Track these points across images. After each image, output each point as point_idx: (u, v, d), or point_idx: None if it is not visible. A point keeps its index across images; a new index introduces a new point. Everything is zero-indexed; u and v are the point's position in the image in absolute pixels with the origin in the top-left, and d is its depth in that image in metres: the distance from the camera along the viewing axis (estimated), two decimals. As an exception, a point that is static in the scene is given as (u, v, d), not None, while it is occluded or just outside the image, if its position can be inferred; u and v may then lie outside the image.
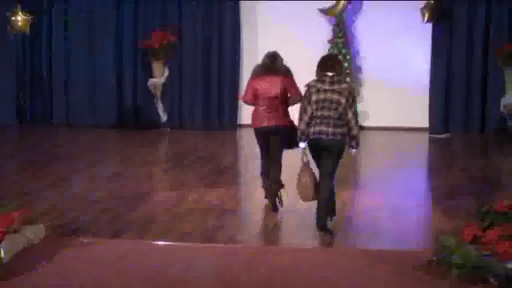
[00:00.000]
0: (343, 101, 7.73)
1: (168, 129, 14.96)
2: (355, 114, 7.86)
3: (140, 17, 15.10)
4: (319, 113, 7.77)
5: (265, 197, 9.07)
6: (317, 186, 8.04)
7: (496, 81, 14.39)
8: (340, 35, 14.72)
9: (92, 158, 12.28)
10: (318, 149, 7.89)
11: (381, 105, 14.60)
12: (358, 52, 14.97)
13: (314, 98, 7.76)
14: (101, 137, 14.30)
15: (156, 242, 7.72)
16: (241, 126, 15.22)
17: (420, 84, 14.72)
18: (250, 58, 15.12)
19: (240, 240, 7.97)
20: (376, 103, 14.69)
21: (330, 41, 14.73)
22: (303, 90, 8.11)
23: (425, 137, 14.41)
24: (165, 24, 14.92)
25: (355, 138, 7.87)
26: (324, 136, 7.78)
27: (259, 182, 9.40)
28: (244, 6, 15.09)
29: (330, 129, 7.77)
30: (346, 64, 14.61)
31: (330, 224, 8.15)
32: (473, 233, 6.70)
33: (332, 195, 8.10)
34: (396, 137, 14.03)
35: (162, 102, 15.03)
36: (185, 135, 14.45)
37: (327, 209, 8.06)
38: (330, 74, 7.82)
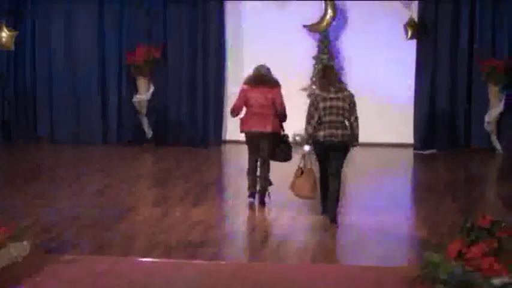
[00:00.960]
0: (346, 106, 8.86)
1: (153, 145, 14.92)
2: (356, 117, 8.95)
3: (124, 33, 15.07)
4: (327, 118, 8.82)
5: (248, 195, 9.84)
6: (315, 183, 9.11)
7: (480, 97, 14.45)
8: (325, 51, 14.77)
9: (75, 174, 12.22)
10: (327, 150, 8.91)
11: (366, 121, 14.38)
12: (342, 68, 15.00)
13: (321, 105, 8.81)
14: (85, 152, 14.25)
15: (139, 258, 7.67)
16: (226, 142, 15.21)
17: (405, 100, 14.77)
18: (236, 74, 15.17)
19: (225, 256, 7.93)
20: (360, 119, 14.66)
21: (314, 57, 14.77)
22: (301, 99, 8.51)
23: (410, 153, 14.44)
24: (150, 40, 14.92)
25: (355, 137, 8.98)
26: (334, 138, 8.84)
27: (244, 197, 9.33)
28: (229, 23, 15.11)
29: (340, 132, 8.86)
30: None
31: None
32: (458, 249, 6.70)
33: (339, 189, 9.05)
34: (381, 153, 14.03)
35: (147, 118, 14.99)
36: (170, 151, 14.42)
37: (337, 201, 9.03)
38: (332, 84, 8.91)
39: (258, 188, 9.91)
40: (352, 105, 8.93)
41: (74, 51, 15.16)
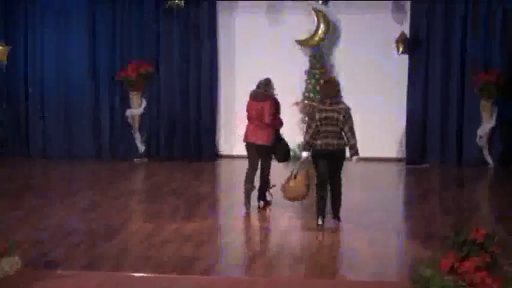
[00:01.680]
0: (341, 118, 9.44)
1: (146, 159, 14.90)
2: (352, 128, 9.51)
3: (117, 48, 15.08)
4: (324, 128, 9.46)
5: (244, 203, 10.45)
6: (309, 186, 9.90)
7: (472, 111, 14.49)
8: (317, 66, 14.80)
9: (67, 190, 12.19)
10: (324, 158, 9.54)
11: (358, 135, 14.53)
12: (338, 87, 14.99)
13: (318, 116, 9.45)
14: (77, 168, 14.21)
15: (131, 274, 7.64)
16: (220, 156, 15.20)
17: (397, 115, 14.80)
18: (228, 89, 15.20)
19: (217, 271, 7.91)
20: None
21: (306, 72, 14.80)
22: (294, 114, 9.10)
23: (402, 167, 14.46)
24: (142, 55, 14.92)
25: (352, 147, 9.55)
26: (330, 147, 9.50)
27: (236, 211, 9.29)
28: (222, 37, 15.14)
29: (335, 141, 9.50)
30: (323, 95, 14.71)
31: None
32: (451, 263, 6.69)
33: (340, 194, 9.79)
34: (373, 167, 14.03)
35: (139, 133, 14.98)
36: (163, 166, 14.40)
37: (340, 201, 9.77)
38: (329, 97, 9.59)
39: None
40: (348, 117, 9.48)
41: (66, 66, 15.15)
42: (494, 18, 14.44)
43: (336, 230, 9.54)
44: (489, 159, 14.43)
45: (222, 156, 15.24)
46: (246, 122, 10.72)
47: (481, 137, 14.38)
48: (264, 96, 10.46)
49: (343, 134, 9.55)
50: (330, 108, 9.51)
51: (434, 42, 14.59)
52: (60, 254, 8.29)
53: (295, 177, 10.01)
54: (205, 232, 9.36)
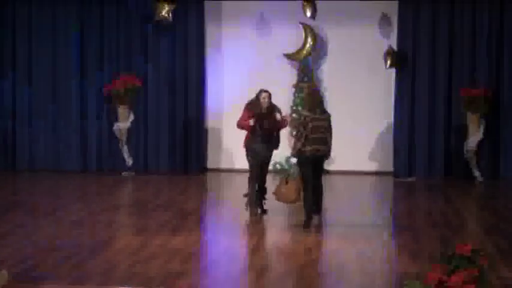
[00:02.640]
0: (326, 125, 10.29)
1: (133, 173, 14.86)
2: (331, 134, 10.36)
3: (105, 62, 15.08)
4: (313, 136, 10.15)
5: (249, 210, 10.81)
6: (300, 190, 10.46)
7: (459, 125, 14.54)
8: (305, 79, 14.83)
9: (54, 204, 12.13)
10: (312, 162, 10.26)
11: (345, 149, 14.64)
12: (323, 96, 15.04)
13: (310, 125, 10.12)
14: (64, 182, 14.16)
15: (118, 289, 7.59)
16: (207, 170, 15.18)
17: (384, 128, 14.84)
18: (216, 102, 15.21)
19: (204, 286, 7.87)
20: (340, 147, 14.70)
21: (294, 86, 14.82)
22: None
23: (389, 181, 14.47)
24: (130, 69, 14.92)
25: (330, 150, 10.41)
26: (319, 153, 10.26)
27: (223, 226, 9.24)
28: (210, 50, 15.16)
29: (322, 147, 10.26)
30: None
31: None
32: (438, 277, 6.67)
33: (322, 193, 10.55)
34: (360, 180, 14.05)
35: (127, 146, 14.95)
36: (150, 180, 14.37)
37: (321, 199, 10.51)
38: (318, 107, 10.30)
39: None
40: (330, 124, 10.35)
41: (54, 80, 15.14)
42: (481, 33, 14.52)
43: (323, 245, 9.52)
44: (476, 173, 14.46)
45: (209, 170, 15.23)
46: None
47: (468, 150, 14.42)
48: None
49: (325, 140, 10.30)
50: (319, 117, 10.23)
51: (420, 56, 14.66)
52: (47, 269, 8.22)
53: (286, 183, 10.55)
54: (193, 247, 9.32)
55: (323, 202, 10.66)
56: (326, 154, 10.40)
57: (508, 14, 14.50)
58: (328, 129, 10.33)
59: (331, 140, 10.39)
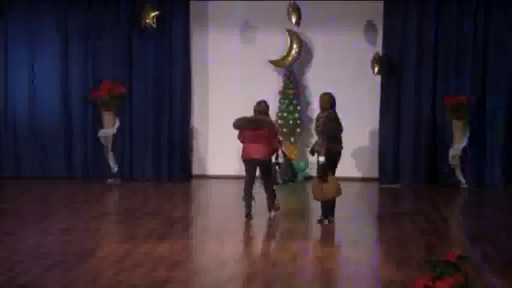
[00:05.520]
0: (319, 124, 10.95)
1: (119, 180, 14.84)
2: (324, 134, 10.83)
3: (90, 68, 15.05)
4: (341, 135, 11.06)
5: (246, 216, 11.19)
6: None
7: (444, 132, 14.61)
8: (290, 86, 14.86)
9: (40, 211, 12.09)
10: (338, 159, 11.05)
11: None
12: (308, 103, 15.11)
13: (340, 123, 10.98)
14: (50, 189, 14.11)
15: (104, 297, 7.58)
16: (193, 177, 15.18)
17: (370, 135, 14.89)
18: (201, 109, 15.22)
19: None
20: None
21: (280, 93, 14.85)
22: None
23: (375, 187, 14.52)
24: (115, 75, 14.90)
25: (322, 149, 10.87)
26: (314, 152, 11.11)
27: (209, 234, 9.23)
28: (195, 57, 15.16)
29: (316, 147, 10.94)
30: (296, 115, 14.76)
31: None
32: (424, 283, 6.71)
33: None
34: (346, 187, 14.05)
35: (112, 153, 14.92)
36: (135, 187, 14.35)
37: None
38: (321, 108, 11.14)
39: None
40: (324, 123, 10.88)
41: (38, 86, 15.09)
42: (466, 40, 14.60)
43: (307, 253, 9.54)
44: (462, 179, 14.53)
45: (195, 177, 15.23)
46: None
47: (453, 157, 14.49)
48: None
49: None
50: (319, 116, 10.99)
51: (406, 63, 14.72)
52: (33, 277, 8.21)
53: (325, 181, 10.95)
54: (179, 254, 9.32)
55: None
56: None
57: (493, 22, 14.58)
58: (322, 127, 10.83)
59: (323, 138, 10.80)
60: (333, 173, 10.97)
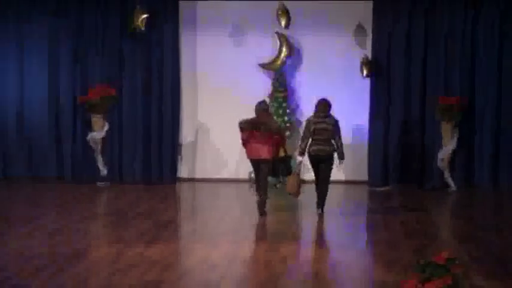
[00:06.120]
0: (330, 128, 11.61)
1: (108, 183, 14.83)
2: (340, 137, 11.71)
3: (79, 71, 15.05)
4: (317, 137, 11.64)
5: (259, 211, 11.76)
6: (300, 186, 12.00)
7: (433, 134, 14.66)
8: (280, 89, 14.88)
9: (30, 214, 12.07)
10: (316, 161, 11.78)
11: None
12: (298, 106, 15.13)
13: (312, 127, 11.62)
14: (39, 191, 14.10)
15: (95, 299, 7.58)
16: (181, 180, 15.19)
17: (359, 137, 14.93)
18: (191, 111, 15.23)
19: (181, 296, 7.88)
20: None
21: (269, 95, 14.86)
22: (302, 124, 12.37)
23: (364, 190, 14.55)
24: (105, 78, 14.90)
25: (341, 153, 11.73)
26: (321, 152, 11.70)
27: (199, 236, 9.22)
28: (184, 60, 15.18)
29: (325, 148, 11.67)
30: (286, 118, 14.79)
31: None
32: (414, 285, 6.73)
33: (327, 190, 11.97)
34: (335, 190, 14.11)
35: (102, 156, 14.91)
36: (125, 190, 14.35)
37: (324, 199, 11.95)
38: (321, 112, 11.74)
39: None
40: (336, 128, 11.67)
41: (27, 88, 15.09)
42: (454, 42, 14.67)
43: (296, 256, 9.57)
44: (451, 181, 14.58)
45: (183, 180, 15.23)
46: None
47: (442, 159, 14.55)
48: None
49: (332, 141, 11.68)
50: (321, 121, 11.65)
51: (395, 66, 14.78)
52: (23, 279, 8.19)
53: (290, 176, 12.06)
54: (170, 257, 9.33)
55: (325, 199, 12.00)
56: (331, 155, 11.69)
57: (482, 24, 14.65)
58: (333, 132, 11.60)
59: (339, 141, 11.66)
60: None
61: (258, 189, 11.87)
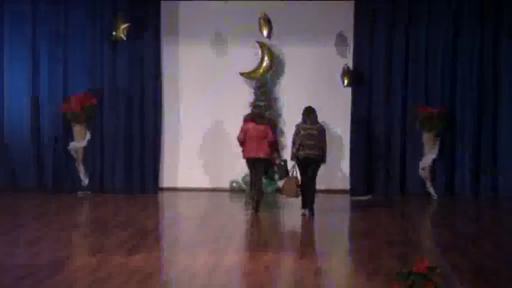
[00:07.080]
0: (317, 134, 12.34)
1: (89, 192, 14.76)
2: (325, 141, 12.44)
3: (60, 79, 14.96)
4: (306, 142, 12.31)
5: (252, 208, 12.69)
6: (298, 188, 12.58)
7: (415, 143, 14.71)
8: (262, 97, 14.88)
9: (10, 223, 11.98)
10: (305, 164, 12.42)
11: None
12: (280, 115, 15.14)
13: (302, 133, 12.35)
14: (19, 201, 14.01)
15: (76, 309, 7.52)
16: (163, 189, 15.14)
17: (341, 146, 14.95)
18: (172, 120, 15.19)
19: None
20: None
21: (251, 104, 14.85)
22: (292, 130, 12.81)
23: (346, 199, 14.56)
24: (86, 86, 14.84)
25: (325, 156, 12.48)
26: (310, 156, 12.33)
27: (180, 245, 9.18)
28: (166, 69, 15.14)
29: (314, 152, 12.32)
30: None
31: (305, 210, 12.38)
32: (396, 294, 6.74)
33: (315, 190, 12.60)
34: (318, 199, 14.10)
35: (83, 166, 14.84)
36: (106, 199, 14.29)
37: (312, 198, 12.52)
38: (309, 119, 12.47)
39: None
40: (322, 133, 12.40)
41: (7, 96, 14.99)
42: (435, 52, 14.74)
43: (279, 263, 9.56)
44: (432, 190, 14.62)
45: (165, 189, 15.19)
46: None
47: (423, 168, 14.59)
48: (268, 118, 13.72)
49: (318, 146, 12.31)
50: (309, 127, 12.37)
51: (376, 76, 14.83)
52: (3, 289, 8.14)
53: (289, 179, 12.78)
54: (151, 266, 9.28)
55: (314, 200, 12.57)
56: (319, 158, 12.33)
57: (462, 34, 14.74)
58: (320, 137, 12.33)
59: (325, 147, 12.41)
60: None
61: (251, 190, 12.90)
